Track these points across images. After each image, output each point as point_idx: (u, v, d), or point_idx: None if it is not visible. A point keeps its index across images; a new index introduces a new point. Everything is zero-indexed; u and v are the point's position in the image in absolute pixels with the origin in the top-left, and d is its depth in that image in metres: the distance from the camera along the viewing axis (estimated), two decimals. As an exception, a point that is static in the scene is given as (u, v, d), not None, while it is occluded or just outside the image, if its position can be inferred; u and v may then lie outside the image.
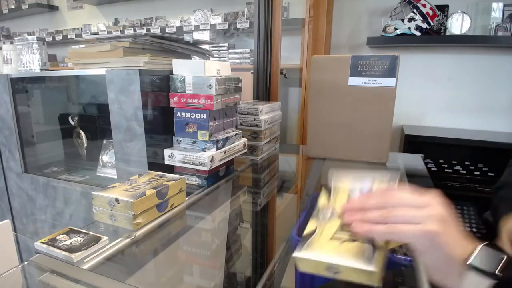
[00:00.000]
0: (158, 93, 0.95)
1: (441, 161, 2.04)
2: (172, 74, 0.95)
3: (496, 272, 0.36)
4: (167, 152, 0.94)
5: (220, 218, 0.85)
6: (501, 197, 0.76)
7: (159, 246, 0.69)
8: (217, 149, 0.94)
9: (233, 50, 2.62)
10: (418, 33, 2.03)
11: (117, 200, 0.66)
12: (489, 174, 1.88)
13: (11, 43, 1.44)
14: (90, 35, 3.20)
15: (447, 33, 2.05)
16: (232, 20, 2.69)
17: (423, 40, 2.07)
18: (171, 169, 0.97)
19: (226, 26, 2.67)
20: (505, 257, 0.37)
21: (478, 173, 1.90)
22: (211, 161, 0.90)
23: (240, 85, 1.06)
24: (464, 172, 1.92)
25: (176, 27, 2.90)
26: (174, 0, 3.03)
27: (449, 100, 2.22)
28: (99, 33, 3.32)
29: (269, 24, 1.50)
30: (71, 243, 0.58)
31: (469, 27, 1.99)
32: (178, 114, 0.94)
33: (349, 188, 0.51)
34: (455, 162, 2.02)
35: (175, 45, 1.04)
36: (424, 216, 0.38)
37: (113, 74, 0.93)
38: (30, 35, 1.35)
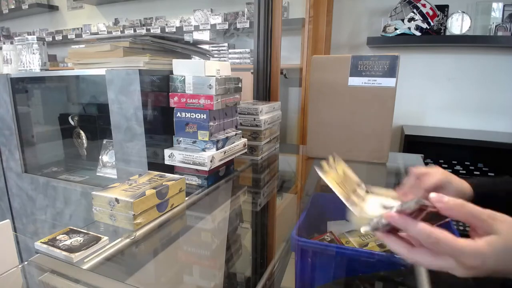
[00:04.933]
0: (158, 93, 0.95)
1: (441, 161, 2.05)
2: (172, 74, 0.95)
3: None
4: (167, 152, 0.94)
5: (220, 218, 0.85)
6: None
7: (159, 246, 0.69)
8: (217, 149, 0.94)
9: (233, 50, 2.62)
10: (418, 33, 2.03)
11: (117, 200, 0.66)
12: (489, 174, 1.88)
13: (11, 43, 1.44)
14: (90, 35, 3.20)
15: (447, 33, 2.05)
16: (232, 20, 2.69)
17: (423, 40, 2.07)
18: (171, 169, 0.97)
19: (226, 26, 2.67)
20: None
21: (478, 173, 1.90)
22: (211, 161, 0.90)
23: (240, 85, 1.06)
24: (464, 172, 1.92)
25: (176, 27, 2.90)
26: (174, 0, 3.03)
27: (449, 100, 2.22)
28: (99, 33, 3.32)
29: (269, 24, 1.50)
30: (71, 243, 0.58)
31: (469, 27, 1.99)
32: (178, 114, 0.94)
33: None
34: (455, 162, 2.02)
35: (175, 45, 1.04)
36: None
37: (113, 74, 0.93)
38: (30, 35, 1.35)
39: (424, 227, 0.38)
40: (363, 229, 0.45)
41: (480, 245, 0.37)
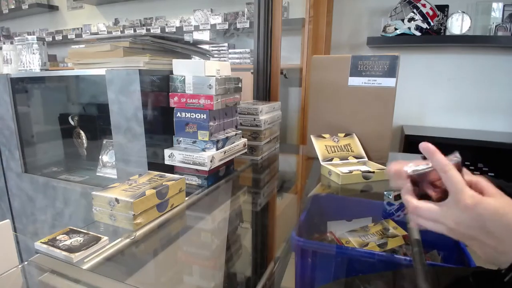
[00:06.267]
0: (158, 93, 0.95)
1: (441, 161, 2.04)
2: (172, 74, 0.95)
3: None
4: (167, 152, 0.94)
5: (220, 218, 0.85)
6: None
7: (159, 246, 0.69)
8: (217, 149, 0.94)
9: (233, 50, 2.62)
10: (418, 33, 2.03)
11: (117, 200, 0.66)
12: (489, 174, 1.88)
13: (11, 43, 1.44)
14: (90, 35, 3.20)
15: (447, 33, 2.05)
16: (232, 20, 2.69)
17: (423, 40, 2.07)
18: (171, 169, 0.97)
19: (226, 26, 2.67)
20: None
21: (478, 173, 1.89)
22: (211, 161, 0.90)
23: (240, 85, 1.06)
24: (464, 172, 1.91)
25: (176, 27, 2.90)
26: (174, 0, 3.03)
27: (449, 100, 2.22)
28: (99, 33, 3.31)
29: (269, 24, 1.50)
30: (71, 243, 0.58)
31: (469, 27, 1.99)
32: (178, 114, 0.94)
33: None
34: (455, 162, 2.01)
35: (175, 45, 1.04)
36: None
37: (113, 74, 0.93)
38: (30, 35, 1.35)
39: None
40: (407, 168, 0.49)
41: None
